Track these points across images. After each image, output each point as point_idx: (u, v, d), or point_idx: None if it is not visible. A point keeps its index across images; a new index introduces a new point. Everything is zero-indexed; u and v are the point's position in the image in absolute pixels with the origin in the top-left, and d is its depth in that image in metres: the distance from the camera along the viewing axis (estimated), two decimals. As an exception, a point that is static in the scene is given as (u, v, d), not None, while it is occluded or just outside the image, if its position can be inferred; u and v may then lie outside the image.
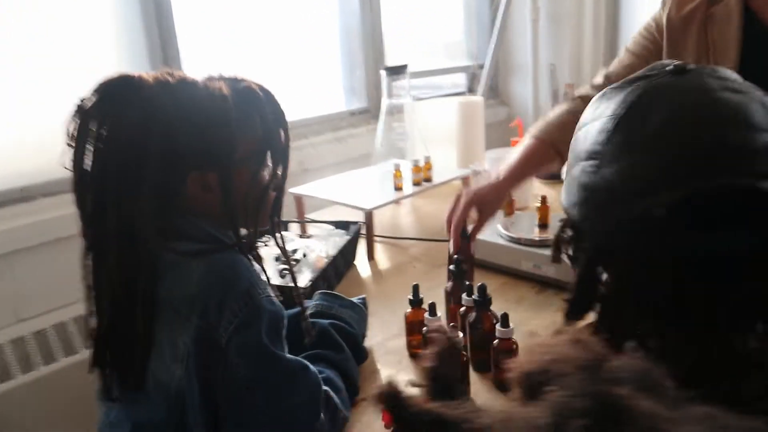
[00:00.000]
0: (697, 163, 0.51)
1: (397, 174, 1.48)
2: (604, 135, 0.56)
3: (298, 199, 1.57)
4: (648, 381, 0.44)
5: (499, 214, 1.42)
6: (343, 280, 1.32)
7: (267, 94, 0.81)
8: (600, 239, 0.58)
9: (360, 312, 1.01)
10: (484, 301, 0.92)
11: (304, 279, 1.16)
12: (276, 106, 0.81)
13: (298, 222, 1.53)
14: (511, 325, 0.87)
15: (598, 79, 1.27)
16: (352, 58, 2.31)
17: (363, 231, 1.41)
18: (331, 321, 0.94)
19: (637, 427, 0.40)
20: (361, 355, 0.96)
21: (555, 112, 1.25)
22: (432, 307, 0.92)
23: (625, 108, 0.56)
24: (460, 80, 2.89)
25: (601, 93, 0.62)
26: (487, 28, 2.84)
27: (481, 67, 2.74)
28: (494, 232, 1.32)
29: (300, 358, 0.80)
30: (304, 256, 1.23)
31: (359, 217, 1.44)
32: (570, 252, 0.69)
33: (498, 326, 0.88)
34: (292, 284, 1.04)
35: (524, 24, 2.63)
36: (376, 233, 1.55)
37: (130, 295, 0.74)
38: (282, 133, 0.82)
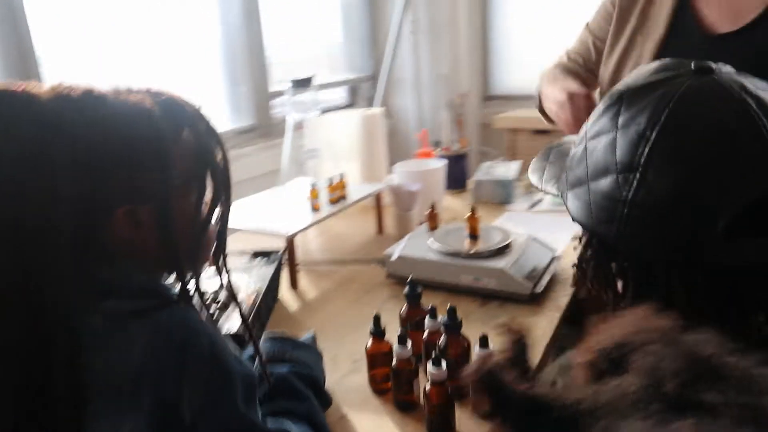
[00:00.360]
0: (749, 172, 0.50)
1: (314, 193, 1.38)
2: (642, 146, 0.53)
3: (202, 230, 1.41)
4: (727, 346, 0.44)
5: (421, 231, 1.38)
6: (271, 316, 1.19)
7: (193, 107, 0.69)
8: (649, 255, 0.55)
9: (315, 352, 0.90)
10: (454, 325, 0.86)
11: (234, 322, 1.02)
12: (206, 120, 0.70)
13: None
14: (490, 345, 0.82)
15: (563, 58, 1.42)
16: (234, 74, 2.17)
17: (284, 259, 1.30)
18: (290, 367, 0.83)
19: (731, 380, 0.41)
20: (327, 399, 0.86)
21: (556, 71, 1.39)
22: (402, 338, 0.84)
23: (660, 116, 0.53)
24: (339, 94, 2.84)
25: (612, 98, 0.59)
26: (366, 41, 2.83)
27: (368, 79, 2.72)
28: (425, 248, 1.27)
29: (282, 425, 0.69)
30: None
31: (275, 243, 1.33)
32: (596, 271, 0.66)
33: (477, 348, 0.82)
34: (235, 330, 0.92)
35: (403, 37, 2.65)
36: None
37: (43, 383, 0.57)
38: (220, 152, 0.71)
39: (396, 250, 1.27)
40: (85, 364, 0.58)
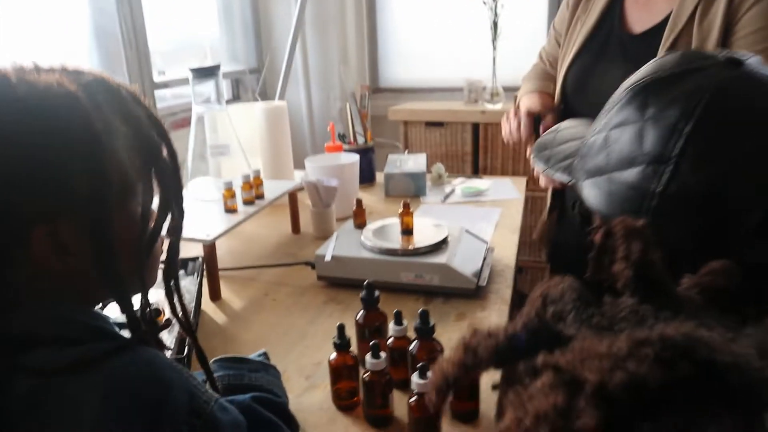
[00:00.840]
0: None
1: (228, 193, 1.25)
2: (676, 139, 0.51)
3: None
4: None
5: (348, 228, 1.31)
6: (198, 329, 1.06)
7: (127, 89, 0.56)
8: (676, 247, 0.53)
9: (273, 372, 0.80)
10: (427, 329, 0.80)
11: (167, 341, 0.88)
12: (147, 108, 0.57)
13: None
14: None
15: (538, 59, 1.45)
16: (111, 65, 1.93)
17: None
18: (252, 394, 0.72)
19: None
20: (295, 425, 0.76)
21: (534, 71, 1.42)
22: (375, 348, 0.76)
23: (694, 108, 0.51)
24: (208, 90, 2.64)
25: (635, 89, 0.56)
26: (250, 33, 2.67)
27: (252, 71, 2.57)
28: (358, 247, 1.20)
29: None
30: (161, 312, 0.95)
31: (192, 251, 1.18)
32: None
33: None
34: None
35: (289, 30, 2.54)
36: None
37: None
38: (164, 146, 0.58)
39: (328, 251, 1.19)
40: None
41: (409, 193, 1.75)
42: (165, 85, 2.10)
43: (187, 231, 1.14)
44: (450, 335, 0.99)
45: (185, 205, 0.60)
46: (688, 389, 0.33)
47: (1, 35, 1.54)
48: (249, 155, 1.65)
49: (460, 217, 1.54)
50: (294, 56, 2.60)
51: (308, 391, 0.87)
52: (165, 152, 0.58)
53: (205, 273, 1.15)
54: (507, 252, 1.34)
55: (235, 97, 2.68)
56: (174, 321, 0.77)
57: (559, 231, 1.39)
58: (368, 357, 0.76)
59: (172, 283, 0.61)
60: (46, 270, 0.50)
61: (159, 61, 2.08)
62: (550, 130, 0.77)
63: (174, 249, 0.60)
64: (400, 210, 1.22)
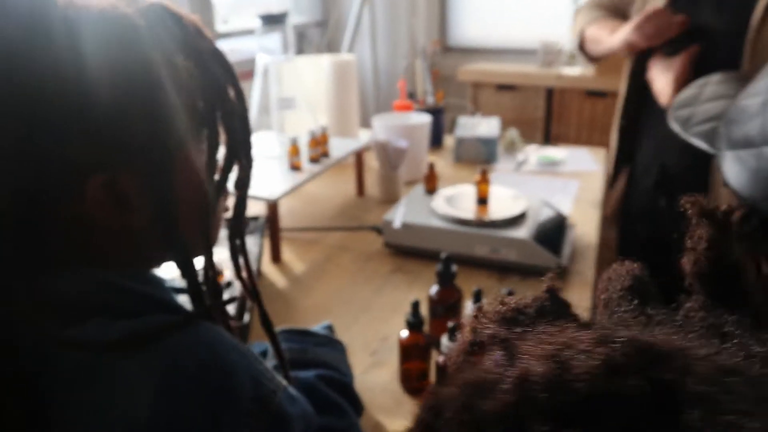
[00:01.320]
0: None
1: (293, 150, 1.18)
2: None
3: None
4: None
5: (418, 193, 1.22)
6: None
7: (191, 21, 0.46)
8: None
9: (339, 348, 0.73)
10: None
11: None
12: (212, 43, 0.48)
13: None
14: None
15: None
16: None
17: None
18: (317, 372, 0.66)
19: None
20: (360, 407, 0.69)
21: (590, 16, 1.26)
22: (453, 331, 0.69)
23: None
24: (273, 44, 2.57)
25: None
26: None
27: (317, 24, 2.48)
28: (428, 215, 1.11)
29: None
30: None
31: (253, 209, 1.12)
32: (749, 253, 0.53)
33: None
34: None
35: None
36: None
37: None
38: (232, 87, 0.49)
39: (397, 217, 1.11)
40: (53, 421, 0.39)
41: (479, 159, 1.64)
42: (228, 34, 2.04)
43: (252, 189, 1.09)
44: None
45: (254, 154, 0.52)
46: (621, 412, 0.25)
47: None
48: (315, 111, 1.58)
49: (535, 188, 1.43)
50: (356, 10, 2.50)
51: (373, 368, 0.81)
52: (232, 93, 0.50)
53: (266, 234, 1.09)
54: (588, 228, 1.23)
55: (299, 51, 2.60)
56: (237, 286, 0.71)
57: (627, 205, 1.26)
58: (444, 339, 0.69)
59: (237, 242, 0.53)
60: (102, 228, 0.44)
61: (222, 10, 2.02)
62: (696, 83, 0.65)
63: (241, 204, 0.52)
64: (477, 177, 1.12)
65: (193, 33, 0.46)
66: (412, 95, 1.78)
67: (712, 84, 0.61)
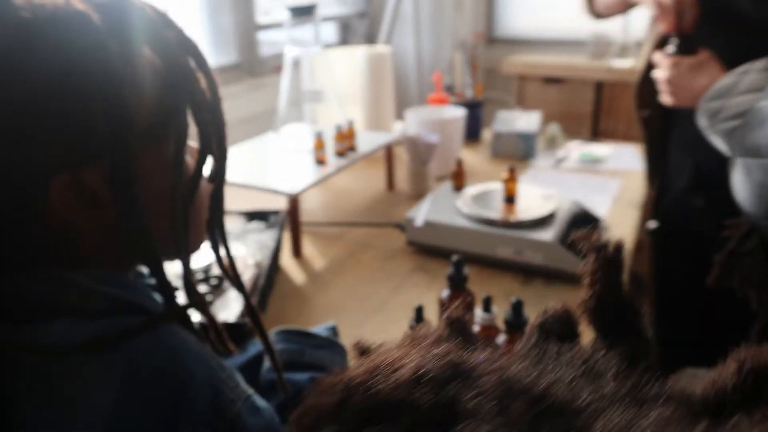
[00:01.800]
0: None
1: (319, 144, 1.17)
2: None
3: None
4: None
5: (445, 190, 1.18)
6: (274, 288, 1.00)
7: (156, 11, 0.45)
8: None
9: (339, 351, 0.71)
10: (519, 323, 0.67)
11: (232, 307, 0.82)
12: (181, 32, 0.46)
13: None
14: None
15: None
16: (215, 4, 1.89)
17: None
18: (311, 375, 0.64)
19: None
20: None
21: None
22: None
23: None
24: (329, 31, 2.56)
25: None
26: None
27: (360, 15, 2.45)
28: (453, 213, 1.07)
29: None
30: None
31: (273, 202, 1.12)
32: (750, 272, 0.48)
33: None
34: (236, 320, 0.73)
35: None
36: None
37: None
38: (204, 78, 0.47)
39: (419, 215, 1.08)
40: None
41: (517, 154, 1.59)
42: (268, 26, 2.05)
43: (270, 181, 1.08)
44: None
45: (228, 145, 0.50)
46: (409, 416, 0.28)
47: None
48: (349, 103, 1.56)
49: (573, 187, 1.37)
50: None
51: (380, 372, 0.78)
52: (204, 84, 0.48)
53: (287, 228, 1.08)
54: (624, 231, 1.16)
55: (343, 42, 2.59)
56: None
57: (661, 205, 1.18)
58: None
59: (216, 234, 0.52)
60: (72, 228, 0.43)
61: (264, 1, 2.02)
62: (737, 70, 0.58)
63: (217, 196, 0.51)
64: (504, 175, 1.08)
65: (158, 25, 0.45)
66: (450, 88, 1.74)
67: (753, 72, 0.55)
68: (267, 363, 0.66)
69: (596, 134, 2.20)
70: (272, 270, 0.98)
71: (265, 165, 1.20)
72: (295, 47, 1.27)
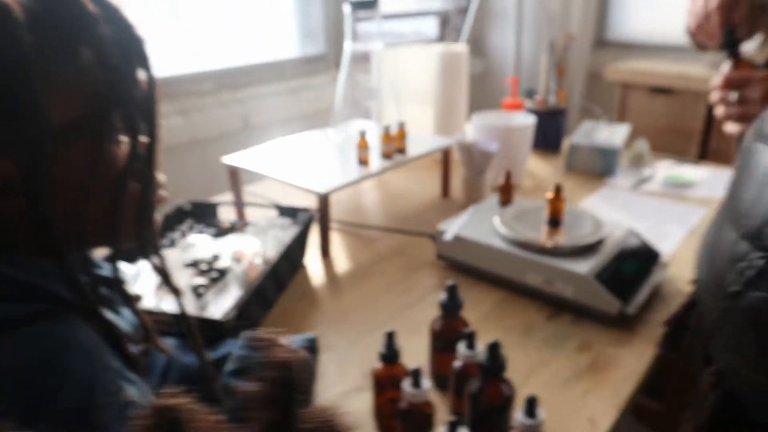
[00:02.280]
0: None
1: (362, 143, 1.13)
2: None
3: (233, 172, 1.21)
4: None
5: (490, 204, 1.10)
6: (287, 289, 0.98)
7: (103, 6, 0.45)
8: None
9: (306, 365, 0.67)
10: (496, 367, 0.60)
11: (226, 302, 0.82)
12: (123, 22, 0.46)
13: (236, 204, 1.18)
14: (540, 413, 0.56)
15: None
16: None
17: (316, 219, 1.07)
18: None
19: None
20: None
21: None
22: (416, 375, 0.59)
23: None
24: (428, 28, 2.51)
25: None
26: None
27: (460, 11, 2.37)
28: (489, 230, 1.00)
29: None
30: (235, 262, 0.89)
31: (311, 200, 1.10)
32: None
33: (521, 415, 0.56)
34: (203, 319, 0.71)
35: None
36: (333, 218, 1.21)
37: None
38: (140, 74, 0.47)
39: (451, 228, 1.01)
40: None
41: (595, 170, 1.45)
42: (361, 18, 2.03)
43: (303, 178, 1.06)
44: (557, 366, 0.77)
45: (158, 145, 0.49)
46: None
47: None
48: (420, 103, 1.51)
49: (648, 213, 1.23)
50: (507, -3, 2.36)
51: (358, 392, 0.74)
52: (142, 81, 0.47)
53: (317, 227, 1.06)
54: (690, 270, 1.02)
55: (441, 38, 2.52)
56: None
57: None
58: (406, 384, 0.60)
59: (146, 233, 0.51)
60: None
61: None
62: None
63: (146, 197, 0.50)
64: (550, 194, 0.98)
65: (94, 20, 0.44)
66: (532, 93, 1.63)
67: None
68: (228, 366, 0.65)
69: (704, 154, 1.97)
70: (287, 268, 0.96)
71: (312, 161, 1.19)
72: (354, 43, 1.23)
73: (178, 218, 1.08)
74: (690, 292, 0.47)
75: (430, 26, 2.51)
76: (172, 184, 1.58)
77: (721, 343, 0.35)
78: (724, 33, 0.87)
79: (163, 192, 0.57)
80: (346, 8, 1.18)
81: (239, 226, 1.06)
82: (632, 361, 0.79)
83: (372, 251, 1.11)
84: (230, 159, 1.20)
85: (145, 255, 0.52)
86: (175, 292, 0.55)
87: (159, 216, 0.57)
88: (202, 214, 1.10)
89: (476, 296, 0.94)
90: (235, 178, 1.21)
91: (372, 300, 0.95)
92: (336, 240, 1.16)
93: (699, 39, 0.96)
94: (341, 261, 1.08)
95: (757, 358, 0.32)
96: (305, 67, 1.92)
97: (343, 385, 0.75)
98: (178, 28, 1.61)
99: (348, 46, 1.24)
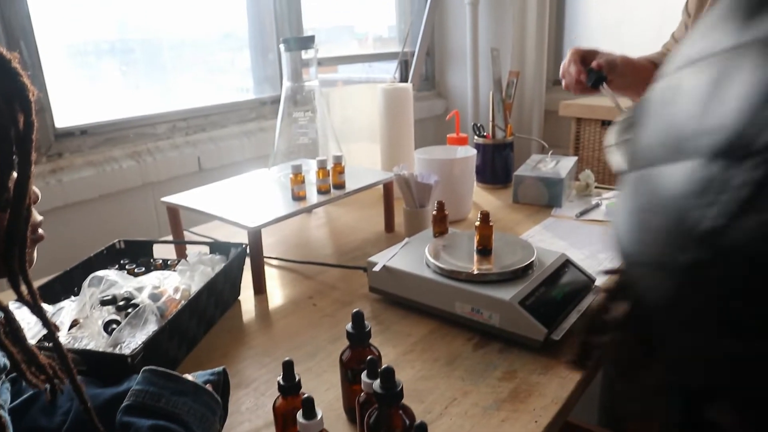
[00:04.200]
0: None
1: (297, 179, 1.13)
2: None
3: (173, 212, 1.20)
4: None
5: (425, 235, 1.10)
6: (217, 324, 0.96)
7: None
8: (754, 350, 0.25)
9: (207, 402, 0.65)
10: (390, 395, 0.58)
11: (141, 339, 0.79)
12: (12, 71, 0.48)
13: (166, 242, 1.16)
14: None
15: (669, 42, 1.32)
16: (263, 40, 1.94)
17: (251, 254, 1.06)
18: (153, 423, 0.59)
19: None
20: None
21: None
22: (308, 404, 0.58)
23: None
24: (390, 69, 2.56)
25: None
26: (423, 12, 2.52)
27: (414, 54, 2.42)
28: (420, 260, 0.99)
29: None
30: (153, 298, 0.87)
31: (270, 237, 1.09)
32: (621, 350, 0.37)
33: None
34: (118, 350, 0.69)
35: (462, 7, 2.34)
36: (272, 254, 1.20)
37: None
38: (14, 108, 0.48)
39: (383, 258, 1.00)
40: None
41: (541, 201, 1.46)
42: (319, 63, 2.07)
43: (236, 213, 1.05)
44: (479, 395, 0.75)
45: (30, 182, 0.49)
46: None
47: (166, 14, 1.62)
48: (368, 140, 1.53)
49: (590, 240, 1.23)
50: (459, 37, 2.42)
51: (268, 428, 0.71)
52: (13, 111, 0.48)
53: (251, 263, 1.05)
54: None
55: (403, 80, 2.57)
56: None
57: None
58: (299, 416, 0.58)
59: (15, 267, 0.50)
60: None
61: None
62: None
63: (14, 229, 0.49)
64: (477, 222, 0.98)
65: None
66: (480, 128, 1.65)
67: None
68: (125, 402, 0.62)
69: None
70: (214, 304, 0.94)
71: (245, 199, 1.18)
72: (287, 81, 1.25)
73: (111, 257, 1.06)
74: (605, 283, 0.40)
75: (392, 69, 2.57)
76: (123, 226, 1.57)
77: (678, 321, 0.28)
78: (589, 77, 1.15)
79: (41, 231, 0.57)
80: (281, 46, 1.20)
81: (171, 263, 1.04)
82: (555, 388, 0.77)
83: (307, 286, 1.09)
84: (170, 199, 1.19)
85: (15, 289, 0.51)
86: (49, 328, 0.53)
87: (34, 253, 0.57)
88: (136, 254, 1.08)
89: (406, 328, 0.93)
90: (174, 217, 1.20)
91: (300, 334, 0.93)
92: (274, 276, 1.14)
93: (575, 91, 1.25)
94: (276, 296, 1.06)
95: (747, 313, 0.24)
96: (261, 109, 1.93)
97: (256, 420, 0.73)
98: (134, 70, 1.63)
99: (285, 85, 1.25)
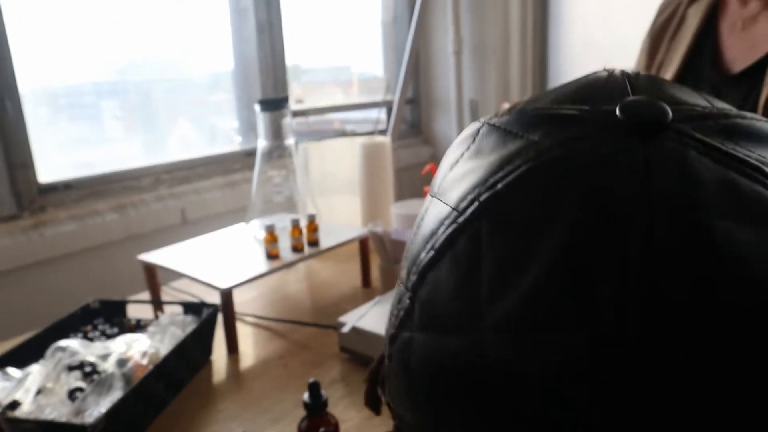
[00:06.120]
0: None
1: (270, 237, 1.15)
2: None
3: (149, 269, 1.21)
4: None
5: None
6: (188, 385, 0.97)
7: None
8: None
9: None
10: (316, 405, 0.59)
11: (106, 406, 0.80)
12: None
13: (140, 303, 1.18)
14: None
15: None
16: (248, 92, 1.99)
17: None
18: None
19: None
20: None
21: None
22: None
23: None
24: (377, 118, 2.61)
25: (489, 122, 0.31)
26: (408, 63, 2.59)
27: (407, 102, 2.48)
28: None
29: None
30: (120, 363, 0.88)
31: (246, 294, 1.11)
32: None
33: None
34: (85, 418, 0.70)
35: (446, 57, 2.41)
36: (249, 310, 1.22)
37: None
38: None
39: (352, 319, 1.02)
40: None
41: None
42: (303, 113, 2.12)
43: (209, 273, 1.07)
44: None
45: None
46: None
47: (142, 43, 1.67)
48: (347, 195, 1.56)
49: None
50: (444, 86, 2.48)
51: (228, 500, 0.72)
52: None
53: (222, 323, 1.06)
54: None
55: (387, 130, 2.62)
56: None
57: None
58: None
59: None
60: None
61: (298, 90, 2.10)
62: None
63: None
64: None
65: None
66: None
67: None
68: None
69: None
70: (183, 367, 0.95)
71: (221, 257, 1.20)
72: (263, 140, 1.29)
73: (85, 318, 1.07)
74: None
75: (377, 119, 2.62)
76: (106, 280, 1.59)
77: (393, 391, 0.33)
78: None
79: None
80: (256, 107, 1.24)
81: (144, 324, 1.06)
82: None
83: (279, 345, 1.10)
84: (146, 257, 1.21)
85: None
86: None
87: None
88: (111, 313, 1.10)
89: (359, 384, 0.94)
90: (151, 274, 1.22)
91: (268, 397, 0.94)
92: (248, 333, 1.15)
93: None
94: (248, 356, 1.07)
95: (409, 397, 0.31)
96: (245, 160, 1.97)
97: (215, 491, 0.73)
98: (117, 123, 1.67)
99: (261, 143, 1.29)
